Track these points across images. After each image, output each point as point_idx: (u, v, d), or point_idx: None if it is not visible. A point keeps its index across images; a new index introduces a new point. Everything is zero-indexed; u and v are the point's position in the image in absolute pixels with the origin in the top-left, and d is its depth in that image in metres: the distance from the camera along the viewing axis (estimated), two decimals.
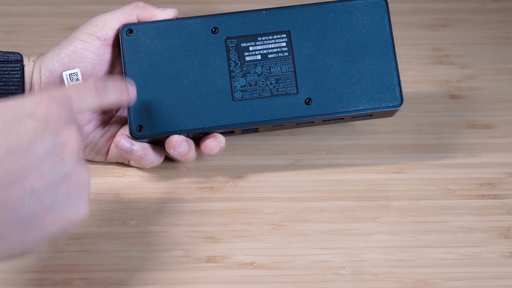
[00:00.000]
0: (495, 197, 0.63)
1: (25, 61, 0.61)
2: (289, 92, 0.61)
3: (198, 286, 0.57)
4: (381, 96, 0.61)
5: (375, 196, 0.63)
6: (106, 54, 0.61)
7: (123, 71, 0.61)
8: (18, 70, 0.61)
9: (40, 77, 0.61)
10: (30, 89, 0.61)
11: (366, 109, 0.61)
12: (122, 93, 0.53)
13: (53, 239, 0.46)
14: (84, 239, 0.60)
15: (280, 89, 0.61)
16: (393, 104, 0.61)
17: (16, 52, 0.62)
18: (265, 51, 0.61)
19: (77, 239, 0.60)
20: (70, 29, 0.68)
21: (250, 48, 0.61)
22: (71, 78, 0.60)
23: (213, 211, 0.62)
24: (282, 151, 0.67)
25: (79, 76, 0.60)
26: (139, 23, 0.61)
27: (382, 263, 0.58)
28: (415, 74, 0.74)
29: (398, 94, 0.61)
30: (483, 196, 0.63)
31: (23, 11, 0.79)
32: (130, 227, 0.61)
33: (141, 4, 0.62)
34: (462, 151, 0.67)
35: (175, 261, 0.58)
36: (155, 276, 0.57)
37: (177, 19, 0.62)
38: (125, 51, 0.61)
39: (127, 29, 0.61)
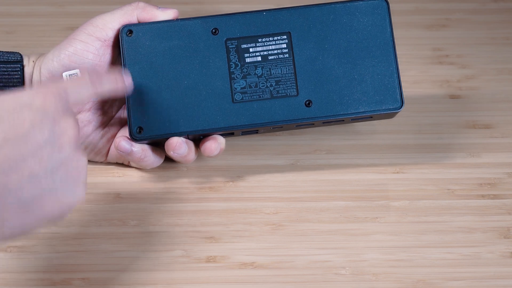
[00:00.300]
0: (495, 197, 0.63)
1: (25, 62, 0.61)
2: (289, 94, 0.61)
3: (198, 286, 0.57)
4: (382, 98, 0.61)
5: (375, 196, 0.63)
6: (106, 55, 0.61)
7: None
8: (18, 71, 0.61)
9: (40, 78, 0.61)
10: None
11: (366, 111, 0.61)
12: (117, 83, 0.56)
13: (51, 222, 0.47)
14: (84, 239, 0.60)
15: (280, 91, 0.61)
16: (394, 107, 0.61)
17: (16, 52, 0.62)
18: (265, 53, 0.61)
19: (77, 239, 0.60)
20: (70, 29, 0.68)
21: (251, 50, 0.61)
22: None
23: (213, 211, 0.62)
24: (282, 151, 0.67)
25: None
26: (139, 24, 0.61)
27: (382, 263, 0.58)
28: (415, 74, 0.74)
29: (398, 96, 0.61)
30: (483, 196, 0.63)
31: (23, 11, 0.79)
32: (130, 227, 0.61)
33: (141, 4, 0.62)
34: (462, 151, 0.67)
35: (175, 261, 0.58)
36: (155, 276, 0.57)
37: (177, 20, 0.62)
38: (125, 52, 0.61)
39: (127, 30, 0.61)
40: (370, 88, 0.61)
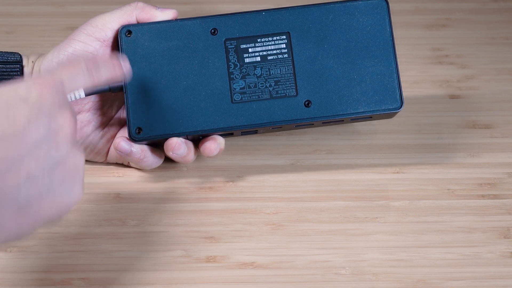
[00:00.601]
0: (495, 197, 0.63)
1: (25, 62, 0.61)
2: (288, 94, 0.61)
3: (198, 286, 0.57)
4: (381, 98, 0.61)
5: (375, 196, 0.63)
6: (105, 55, 0.61)
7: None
8: (17, 71, 0.61)
9: None
10: None
11: (365, 111, 0.61)
12: (115, 70, 0.53)
13: (48, 224, 0.46)
14: (84, 239, 0.60)
15: (279, 91, 0.61)
16: (393, 107, 0.61)
17: (15, 53, 0.61)
18: (264, 53, 0.61)
19: (77, 239, 0.60)
20: (70, 29, 0.68)
21: (250, 50, 0.61)
22: None
23: (213, 211, 0.62)
24: (282, 151, 0.67)
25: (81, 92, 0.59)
26: (138, 24, 0.61)
27: (382, 263, 0.58)
28: (415, 74, 0.74)
29: (398, 96, 0.61)
30: (483, 196, 0.63)
31: (23, 11, 0.79)
32: (130, 227, 0.61)
33: (140, 4, 0.62)
34: (462, 151, 0.67)
35: (175, 261, 0.58)
36: (155, 276, 0.57)
37: (176, 20, 0.62)
38: (124, 52, 0.61)
39: (126, 31, 0.61)
40: (369, 88, 0.61)
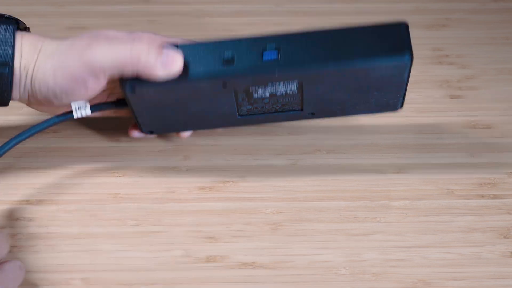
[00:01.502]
0: (495, 197, 0.63)
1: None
2: (294, 109, 0.61)
3: (198, 286, 0.57)
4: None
5: (375, 196, 0.63)
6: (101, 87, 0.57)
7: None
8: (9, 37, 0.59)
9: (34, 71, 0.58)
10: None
11: (366, 112, 0.61)
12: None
13: None
14: (84, 239, 0.60)
15: (285, 109, 0.61)
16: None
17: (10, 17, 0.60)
18: (274, 91, 0.58)
19: (77, 239, 0.60)
20: (70, 29, 0.68)
21: (259, 90, 0.59)
22: (79, 107, 0.58)
23: (213, 211, 0.62)
24: (282, 151, 0.67)
25: (88, 110, 0.58)
26: (142, 82, 0.56)
27: (382, 263, 0.58)
28: (415, 74, 0.74)
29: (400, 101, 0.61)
30: (483, 196, 0.63)
31: (23, 11, 0.79)
32: (130, 227, 0.61)
33: (143, 59, 0.55)
34: (462, 151, 0.67)
35: (175, 261, 0.58)
36: (155, 276, 0.57)
37: (183, 76, 0.56)
38: (132, 105, 0.59)
39: (130, 87, 0.57)
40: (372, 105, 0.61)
